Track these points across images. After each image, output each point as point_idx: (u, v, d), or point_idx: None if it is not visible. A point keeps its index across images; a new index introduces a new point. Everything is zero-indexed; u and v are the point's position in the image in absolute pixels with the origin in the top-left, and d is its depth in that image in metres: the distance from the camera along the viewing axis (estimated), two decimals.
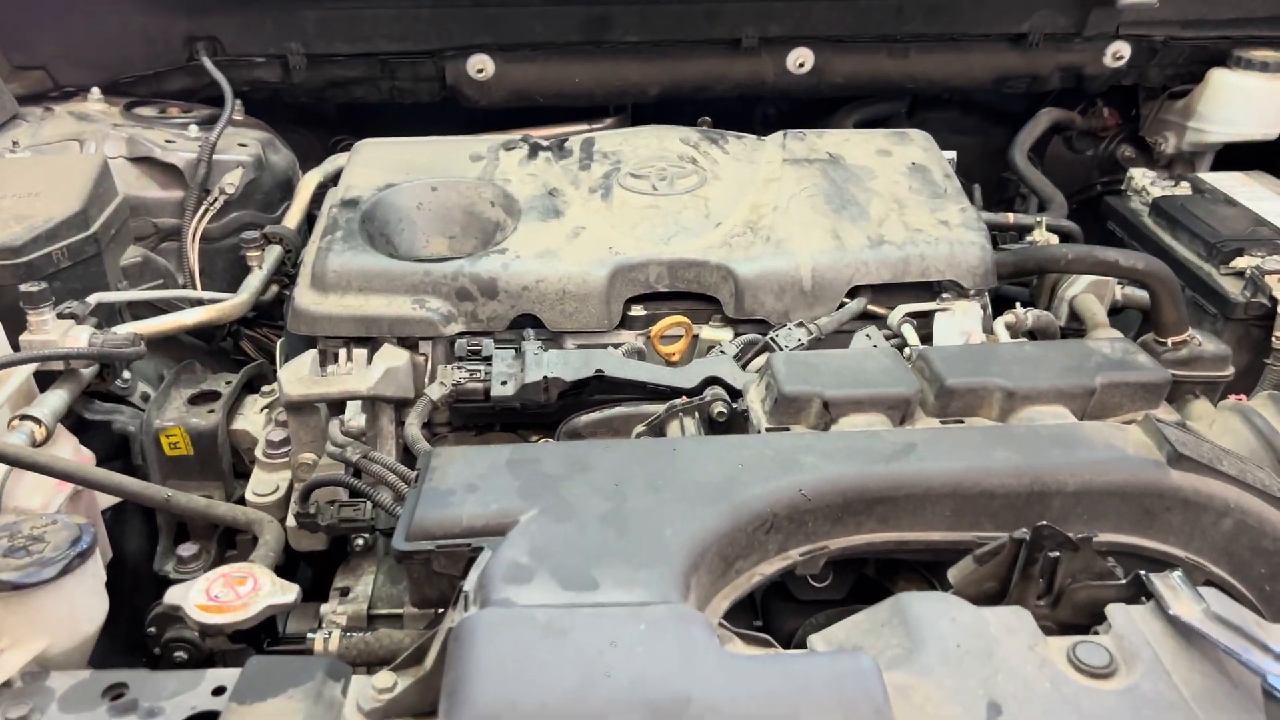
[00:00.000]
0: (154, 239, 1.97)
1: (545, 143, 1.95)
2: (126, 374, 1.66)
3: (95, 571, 1.06)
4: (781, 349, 1.53)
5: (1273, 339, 1.76)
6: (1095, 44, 2.29)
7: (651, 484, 1.06)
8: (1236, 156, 2.41)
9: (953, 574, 1.04)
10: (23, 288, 1.48)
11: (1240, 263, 1.86)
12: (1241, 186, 2.15)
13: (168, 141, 1.99)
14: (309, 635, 1.19)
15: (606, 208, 1.75)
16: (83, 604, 1.04)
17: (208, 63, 2.11)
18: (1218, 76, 2.30)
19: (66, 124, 2.03)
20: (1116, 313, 1.89)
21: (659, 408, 1.42)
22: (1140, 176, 2.23)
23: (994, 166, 2.63)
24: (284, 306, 1.96)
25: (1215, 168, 2.45)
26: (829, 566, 1.12)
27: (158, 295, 1.77)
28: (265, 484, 1.56)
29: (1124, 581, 1.00)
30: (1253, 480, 1.10)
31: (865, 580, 1.21)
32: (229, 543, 1.62)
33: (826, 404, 1.24)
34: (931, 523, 1.09)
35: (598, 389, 1.51)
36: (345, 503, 1.42)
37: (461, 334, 1.60)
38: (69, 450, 1.48)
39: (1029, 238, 1.88)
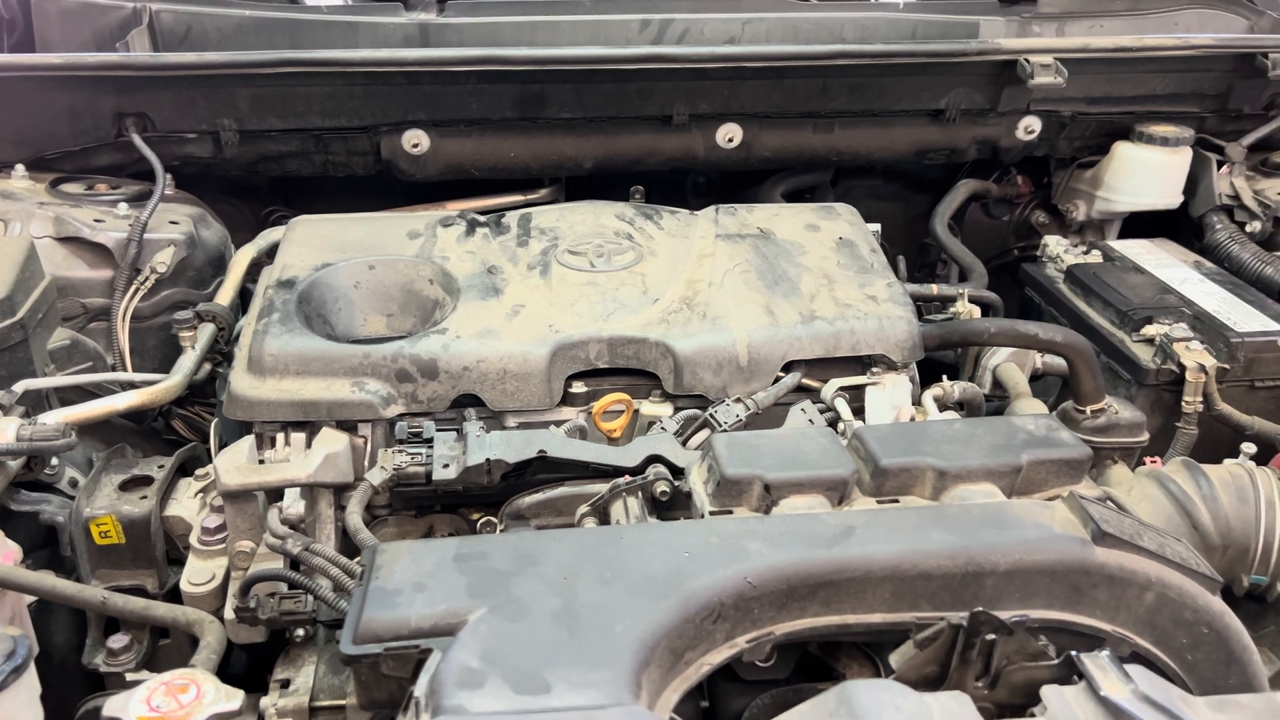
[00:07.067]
0: (82, 319, 1.93)
1: (482, 219, 1.97)
2: (54, 460, 1.62)
3: (30, 684, 1.03)
4: (721, 425, 1.56)
5: (1183, 403, 1.85)
6: (1008, 119, 2.40)
7: (601, 577, 1.07)
8: (1142, 222, 2.54)
9: (894, 659, 1.07)
10: None
11: (1150, 330, 1.95)
12: (1147, 254, 2.26)
13: (96, 220, 1.95)
14: None
15: (545, 285, 1.77)
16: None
17: (138, 140, 2.08)
18: (1122, 150, 2.43)
19: None
20: (1037, 379, 1.97)
21: (602, 487, 1.43)
22: (1055, 244, 2.33)
23: (916, 231, 2.72)
24: (217, 385, 1.93)
25: (1123, 233, 2.57)
26: (773, 648, 1.15)
27: (87, 379, 1.73)
28: (201, 572, 1.53)
29: (1057, 662, 1.04)
30: (1171, 554, 1.16)
31: (808, 656, 1.24)
32: (162, 632, 1.58)
33: (768, 486, 1.27)
34: (872, 605, 1.12)
35: (540, 468, 1.52)
36: (285, 595, 1.40)
37: (401, 415, 1.60)
38: None
39: (952, 309, 1.95)
